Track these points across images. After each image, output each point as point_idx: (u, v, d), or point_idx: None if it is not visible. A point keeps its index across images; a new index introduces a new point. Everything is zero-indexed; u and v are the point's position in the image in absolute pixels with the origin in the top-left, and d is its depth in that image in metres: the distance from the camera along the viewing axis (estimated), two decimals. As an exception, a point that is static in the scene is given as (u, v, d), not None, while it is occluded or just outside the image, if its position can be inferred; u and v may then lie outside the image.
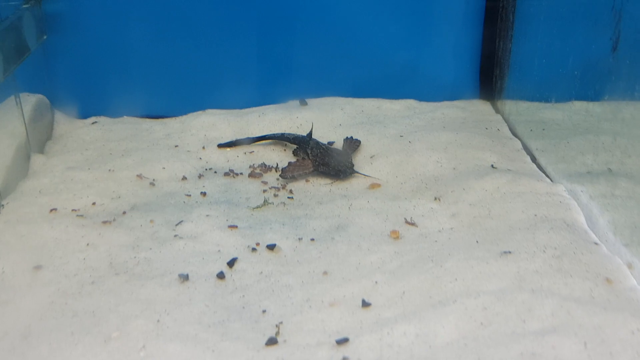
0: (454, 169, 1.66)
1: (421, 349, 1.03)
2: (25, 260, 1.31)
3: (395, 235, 1.41)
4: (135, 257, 1.35)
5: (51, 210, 1.51)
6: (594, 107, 1.49)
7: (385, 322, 1.10)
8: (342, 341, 1.07)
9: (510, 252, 1.24)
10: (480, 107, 2.05)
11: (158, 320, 1.14)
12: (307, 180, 1.69)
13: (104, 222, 1.46)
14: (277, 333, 1.12)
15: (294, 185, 1.67)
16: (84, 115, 2.03)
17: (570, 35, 1.55)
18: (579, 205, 1.42)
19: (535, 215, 1.38)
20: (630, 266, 1.19)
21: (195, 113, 2.05)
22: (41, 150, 1.83)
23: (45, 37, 1.87)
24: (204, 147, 1.87)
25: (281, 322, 1.15)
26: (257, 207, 1.57)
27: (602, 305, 1.07)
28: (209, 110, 2.06)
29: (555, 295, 1.10)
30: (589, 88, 1.44)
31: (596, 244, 1.28)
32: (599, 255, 1.23)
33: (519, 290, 1.12)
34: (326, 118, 2.00)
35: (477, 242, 1.31)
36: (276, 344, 1.09)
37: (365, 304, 1.17)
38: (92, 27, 1.91)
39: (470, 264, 1.22)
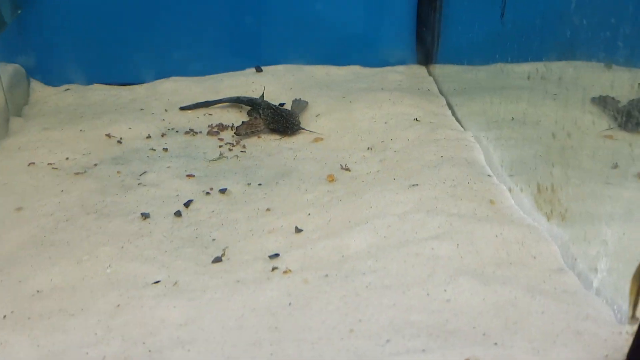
0: (386, 123, 1.88)
1: (335, 256, 1.27)
2: (8, 203, 1.50)
3: (331, 179, 1.61)
4: (103, 201, 1.53)
5: (29, 164, 1.69)
6: (508, 67, 1.68)
7: (311, 242, 1.33)
8: (274, 256, 1.29)
9: (417, 185, 1.48)
10: (416, 71, 2.26)
11: (122, 247, 1.34)
12: (258, 137, 1.88)
13: (76, 173, 1.65)
14: (223, 254, 1.32)
15: (247, 141, 1.86)
16: (58, 83, 2.17)
17: (477, 6, 1.76)
18: (480, 147, 1.65)
19: (442, 156, 1.62)
20: (510, 190, 1.44)
21: (159, 80, 2.21)
22: (19, 114, 1.99)
23: (19, 11, 2.01)
24: (166, 110, 2.05)
25: (227, 247, 1.35)
26: (213, 159, 1.74)
27: (479, 218, 1.31)
28: (173, 78, 2.21)
29: (444, 213, 1.33)
30: (494, 51, 1.65)
31: (489, 175, 1.52)
32: (488, 184, 1.47)
33: (417, 212, 1.36)
34: (279, 83, 2.17)
35: (394, 179, 1.54)
36: (220, 261, 1.30)
37: (297, 230, 1.38)
38: (62, 0, 2.06)
39: (383, 195, 1.45)
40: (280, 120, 1.87)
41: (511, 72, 1.53)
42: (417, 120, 1.88)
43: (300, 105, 2.01)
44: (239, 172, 1.68)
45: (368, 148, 1.77)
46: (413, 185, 1.49)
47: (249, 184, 1.61)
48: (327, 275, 1.21)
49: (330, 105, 2.01)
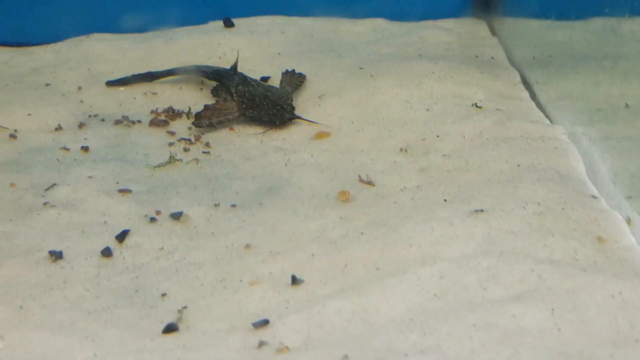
0: (428, 110, 1.93)
1: (357, 327, 1.27)
2: None
3: (344, 198, 1.64)
4: (-10, 231, 1.54)
5: None
6: (623, 25, 1.70)
7: (318, 300, 1.32)
8: (261, 323, 1.29)
9: (482, 211, 1.51)
10: (471, 28, 2.33)
11: (21, 307, 1.35)
12: (230, 129, 1.92)
13: (-53, 187, 1.67)
14: (179, 319, 1.33)
15: (213, 136, 1.89)
16: None
17: None
18: (579, 152, 1.67)
19: (519, 165, 1.65)
20: (629, 221, 1.46)
21: (75, 39, 2.28)
22: None
23: None
24: (80, 88, 2.09)
25: (185, 307, 1.36)
26: (160, 165, 1.78)
27: (583, 267, 1.33)
28: (95, 35, 2.29)
29: (528, 258, 1.36)
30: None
31: (594, 197, 1.56)
32: (593, 211, 1.50)
33: (485, 255, 1.38)
34: (260, 45, 2.22)
35: (445, 200, 1.57)
36: (176, 331, 1.30)
37: (295, 281, 1.40)
38: None
39: (430, 227, 1.47)
40: (264, 104, 1.92)
41: (628, 33, 1.56)
42: (476, 106, 1.94)
43: (293, 80, 2.06)
44: (201, 186, 1.71)
45: (401, 149, 1.82)
46: (476, 211, 1.53)
47: (216, 205, 1.65)
48: (346, 358, 1.20)
49: (341, 81, 2.06)
